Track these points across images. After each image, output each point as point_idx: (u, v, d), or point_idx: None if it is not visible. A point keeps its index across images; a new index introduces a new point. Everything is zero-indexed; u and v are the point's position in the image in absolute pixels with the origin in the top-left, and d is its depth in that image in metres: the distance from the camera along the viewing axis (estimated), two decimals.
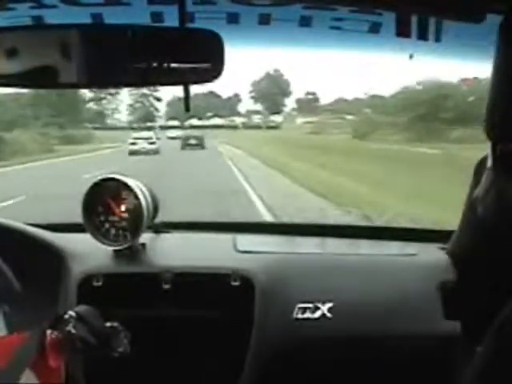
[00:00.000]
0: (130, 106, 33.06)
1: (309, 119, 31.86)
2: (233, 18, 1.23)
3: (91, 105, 31.84)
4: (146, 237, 1.59)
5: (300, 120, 33.36)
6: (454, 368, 1.36)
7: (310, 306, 1.47)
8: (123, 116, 33.29)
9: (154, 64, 0.97)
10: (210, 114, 32.32)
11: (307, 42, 1.37)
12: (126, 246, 1.53)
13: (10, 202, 8.26)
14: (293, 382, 1.52)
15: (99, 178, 1.53)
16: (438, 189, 8.70)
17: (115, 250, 1.53)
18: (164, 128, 28.67)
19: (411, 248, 1.67)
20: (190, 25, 1.06)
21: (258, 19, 1.24)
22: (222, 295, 1.49)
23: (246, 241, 1.70)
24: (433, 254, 1.61)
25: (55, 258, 1.53)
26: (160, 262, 1.56)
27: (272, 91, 35.48)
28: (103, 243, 1.53)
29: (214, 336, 1.50)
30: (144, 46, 0.99)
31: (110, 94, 30.17)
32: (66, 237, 1.64)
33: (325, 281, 1.52)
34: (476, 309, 1.37)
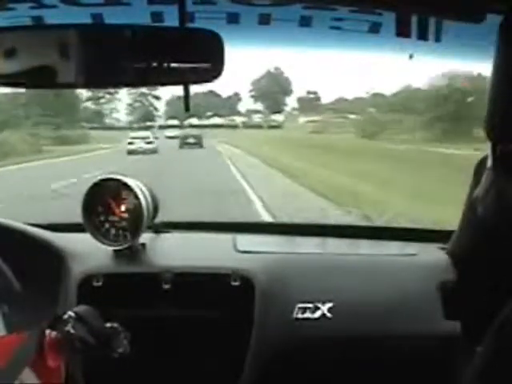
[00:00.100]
0: (129, 105, 32.78)
1: (311, 118, 31.25)
2: (233, 18, 1.23)
3: (89, 104, 31.48)
4: (146, 237, 1.59)
5: (302, 119, 32.70)
6: (453, 368, 1.36)
7: (310, 305, 1.47)
8: (122, 116, 33.02)
9: (154, 64, 0.97)
10: (209, 114, 31.94)
11: (307, 41, 1.37)
12: (125, 246, 1.53)
13: None
14: (293, 382, 1.52)
15: (99, 177, 1.54)
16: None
17: (115, 250, 1.53)
18: (163, 127, 28.54)
19: (411, 248, 1.67)
20: (190, 25, 1.06)
21: (258, 19, 1.24)
22: (222, 295, 1.49)
23: (245, 241, 1.70)
24: (433, 254, 1.61)
25: (55, 258, 1.53)
26: (160, 262, 1.56)
27: (273, 90, 34.79)
28: (103, 243, 1.53)
29: (214, 336, 1.50)
30: (144, 45, 0.99)
31: (109, 93, 29.84)
32: (66, 237, 1.64)
33: (325, 281, 1.52)
34: (476, 309, 1.37)
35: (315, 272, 1.55)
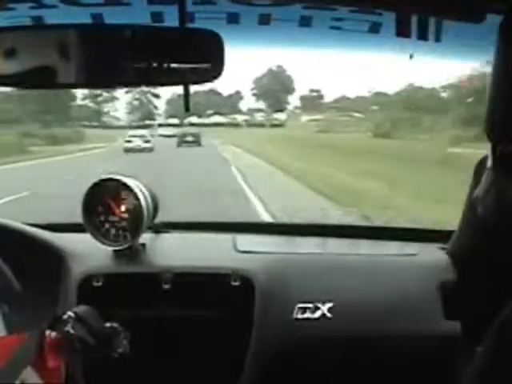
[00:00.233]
0: (128, 103, 32.58)
1: (314, 117, 30.56)
2: (233, 18, 1.23)
3: (86, 102, 31.13)
4: (145, 237, 1.59)
5: (305, 118, 32.10)
6: (454, 368, 1.36)
7: (310, 306, 1.47)
8: (120, 114, 32.64)
9: (154, 64, 0.97)
10: (210, 112, 31.70)
11: (307, 41, 1.37)
12: (126, 246, 1.53)
13: None
14: (293, 382, 1.52)
15: (99, 177, 1.54)
16: None
17: (115, 250, 1.53)
18: (163, 126, 28.41)
19: (411, 248, 1.67)
20: (190, 25, 1.06)
21: (258, 19, 1.24)
22: (222, 295, 1.49)
23: (245, 241, 1.70)
24: (433, 254, 1.61)
25: (55, 258, 1.53)
26: (160, 262, 1.56)
27: (274, 88, 34.24)
28: (103, 243, 1.53)
29: (214, 336, 1.50)
30: (144, 46, 0.99)
31: (107, 92, 29.61)
32: (66, 237, 1.64)
33: (325, 281, 1.52)
34: (476, 309, 1.37)
35: (315, 272, 1.55)
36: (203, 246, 1.73)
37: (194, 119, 28.28)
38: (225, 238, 1.75)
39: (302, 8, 1.17)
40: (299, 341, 1.47)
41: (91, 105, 31.51)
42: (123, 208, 1.54)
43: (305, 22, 1.21)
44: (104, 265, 1.52)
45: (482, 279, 1.42)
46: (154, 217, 1.58)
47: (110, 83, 1.22)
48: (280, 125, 30.74)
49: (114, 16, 1.19)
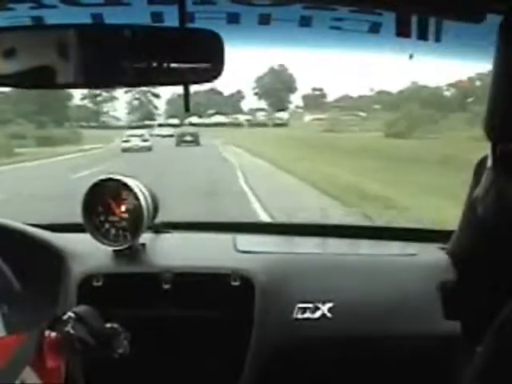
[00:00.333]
0: (128, 103, 32.27)
1: (317, 116, 29.84)
2: (233, 18, 1.23)
3: (86, 102, 30.96)
4: (146, 237, 1.59)
5: (308, 117, 31.39)
6: (454, 368, 1.36)
7: (310, 306, 1.47)
8: (119, 114, 32.25)
9: (154, 64, 0.97)
10: (211, 112, 31.37)
11: (307, 41, 1.37)
12: (126, 246, 1.53)
13: None
14: (293, 382, 1.52)
15: (99, 178, 1.54)
16: None
17: (115, 250, 1.53)
18: (163, 126, 28.25)
19: (411, 248, 1.67)
20: (190, 25, 1.06)
21: (258, 19, 1.24)
22: (222, 295, 1.49)
23: (245, 241, 1.70)
24: (433, 254, 1.61)
25: (55, 258, 1.53)
26: (160, 262, 1.56)
27: (276, 87, 33.65)
28: (103, 243, 1.53)
29: (214, 336, 1.50)
30: (144, 46, 0.99)
31: (106, 91, 29.29)
32: (66, 237, 1.64)
33: (325, 281, 1.52)
34: (476, 309, 1.37)
35: (315, 272, 1.55)
36: (203, 246, 1.73)
37: (195, 119, 28.07)
38: (225, 237, 1.75)
39: (302, 8, 1.17)
40: (299, 341, 1.47)
41: (90, 105, 31.21)
42: (123, 208, 1.54)
43: (305, 22, 1.21)
44: (104, 265, 1.52)
45: (482, 279, 1.42)
46: (154, 217, 1.58)
47: (110, 83, 1.23)
48: (283, 124, 30.05)
49: (113, 16, 1.19)
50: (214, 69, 0.99)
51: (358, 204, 7.57)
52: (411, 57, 1.26)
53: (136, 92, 30.58)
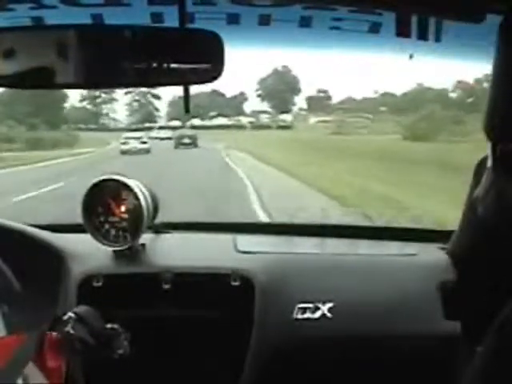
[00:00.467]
0: (128, 105, 31.99)
1: (322, 118, 29.36)
2: (233, 19, 1.23)
3: (85, 104, 30.69)
4: (146, 237, 1.59)
5: (313, 119, 30.94)
6: (454, 368, 1.36)
7: (310, 306, 1.47)
8: (120, 116, 31.94)
9: (154, 64, 0.97)
10: (213, 114, 30.84)
11: (307, 42, 1.37)
12: (126, 246, 1.53)
13: None
14: (293, 382, 1.52)
15: (99, 178, 1.54)
16: None
17: (115, 251, 1.53)
18: (164, 128, 28.10)
19: (411, 248, 1.67)
20: (190, 25, 1.06)
21: (258, 20, 1.24)
22: (221, 295, 1.50)
23: (245, 241, 1.70)
24: (433, 254, 1.61)
25: (55, 259, 1.53)
26: (160, 262, 1.56)
27: (280, 88, 33.16)
28: (103, 244, 1.53)
29: (214, 336, 1.50)
30: (144, 46, 0.99)
31: (105, 92, 29.01)
32: (66, 237, 1.64)
33: (325, 281, 1.52)
34: (476, 309, 1.37)
35: (315, 272, 1.55)
36: (203, 246, 1.73)
37: (197, 121, 27.90)
38: (225, 238, 1.75)
39: (302, 8, 1.18)
40: (299, 341, 1.47)
41: (89, 107, 30.96)
42: (123, 208, 1.54)
43: (305, 23, 1.22)
44: (104, 265, 1.52)
45: (482, 279, 1.42)
46: (154, 217, 1.58)
47: (110, 84, 1.23)
48: (287, 126, 29.58)
49: (113, 16, 1.19)
50: (214, 69, 0.99)
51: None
52: (411, 57, 1.26)
53: (136, 93, 30.34)
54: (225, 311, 1.50)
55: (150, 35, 1.02)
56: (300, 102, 34.84)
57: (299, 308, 1.46)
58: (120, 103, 31.80)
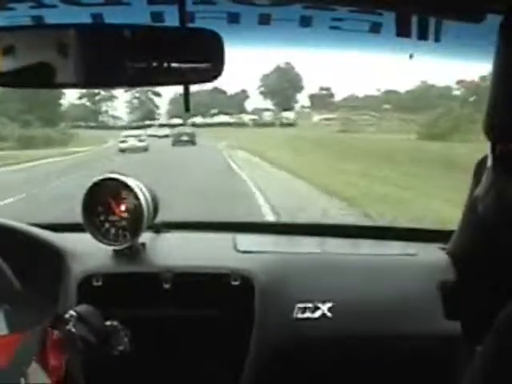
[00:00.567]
0: (128, 102, 31.69)
1: (326, 116, 28.78)
2: (233, 18, 1.23)
3: (84, 101, 30.41)
4: (146, 236, 1.59)
5: (316, 117, 30.14)
6: (454, 368, 1.36)
7: (310, 305, 1.47)
8: (120, 113, 31.62)
9: (154, 64, 0.97)
10: (214, 112, 30.36)
11: (307, 41, 1.37)
12: (126, 245, 1.53)
13: None
14: (293, 382, 1.52)
15: (99, 177, 1.54)
16: None
17: (115, 250, 1.53)
18: (165, 126, 27.97)
19: (411, 248, 1.67)
20: (190, 25, 1.06)
21: (259, 19, 1.24)
22: (221, 295, 1.50)
23: (245, 241, 1.70)
24: (433, 254, 1.61)
25: (55, 258, 1.53)
26: (160, 262, 1.56)
27: (282, 86, 32.65)
28: (103, 243, 1.53)
29: (214, 336, 1.50)
30: (144, 45, 0.99)
31: (105, 90, 28.79)
32: (66, 236, 1.64)
33: (325, 280, 1.52)
34: (476, 309, 1.37)
35: (315, 272, 1.55)
36: (203, 245, 1.73)
37: (199, 119, 27.70)
38: (225, 237, 1.75)
39: (302, 8, 1.17)
40: (299, 340, 1.47)
41: (88, 104, 30.72)
42: (123, 207, 1.54)
43: (305, 22, 1.21)
44: (104, 264, 1.52)
45: (482, 279, 1.42)
46: (154, 216, 1.58)
47: (110, 83, 1.22)
48: (291, 124, 28.88)
49: (113, 16, 1.19)
50: (214, 69, 0.99)
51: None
52: (411, 57, 1.26)
53: (136, 91, 29.93)
54: (225, 311, 1.50)
55: (150, 34, 1.02)
56: (303, 99, 34.41)
57: (299, 308, 1.46)
58: (120, 100, 31.61)
